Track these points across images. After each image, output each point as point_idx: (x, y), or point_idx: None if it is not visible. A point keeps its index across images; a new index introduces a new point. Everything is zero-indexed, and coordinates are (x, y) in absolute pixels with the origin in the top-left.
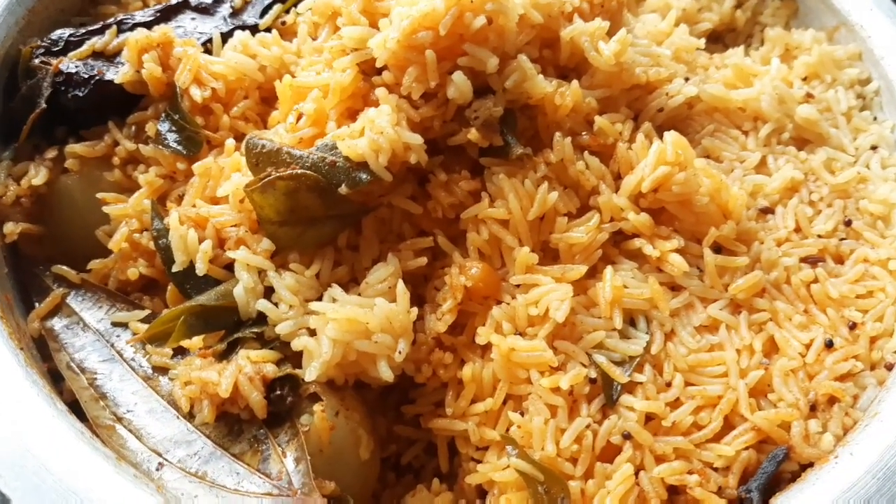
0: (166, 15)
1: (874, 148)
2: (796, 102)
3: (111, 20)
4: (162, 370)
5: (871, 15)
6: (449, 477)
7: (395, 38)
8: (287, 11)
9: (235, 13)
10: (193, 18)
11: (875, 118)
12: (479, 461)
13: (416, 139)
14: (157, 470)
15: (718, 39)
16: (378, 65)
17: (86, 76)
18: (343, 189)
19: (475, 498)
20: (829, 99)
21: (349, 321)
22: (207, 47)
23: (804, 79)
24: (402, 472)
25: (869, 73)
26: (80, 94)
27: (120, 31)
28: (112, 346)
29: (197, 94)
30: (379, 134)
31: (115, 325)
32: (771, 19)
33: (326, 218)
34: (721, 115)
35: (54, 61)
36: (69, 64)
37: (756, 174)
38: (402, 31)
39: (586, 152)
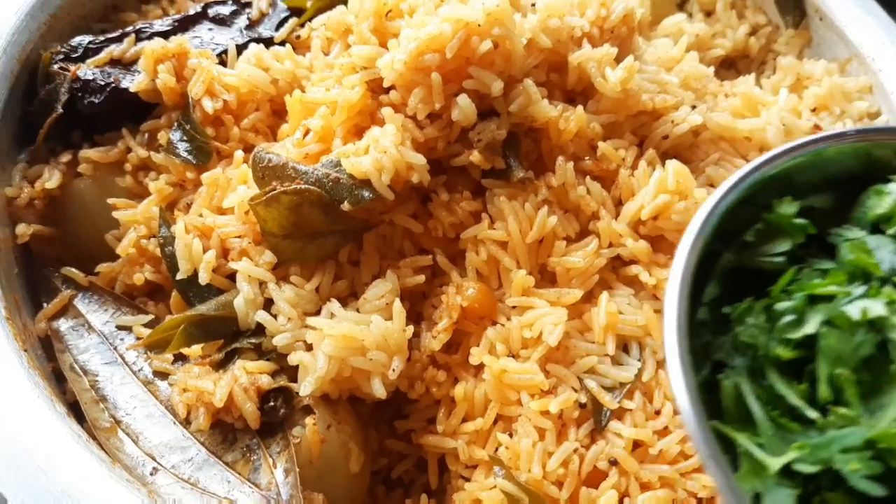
0: (184, 25)
1: None
2: (803, 133)
3: (130, 28)
4: (162, 375)
5: (884, 49)
6: (438, 493)
7: (402, 59)
8: (302, 25)
9: (252, 25)
10: (211, 29)
11: None
12: (467, 479)
13: (420, 159)
14: (151, 475)
15: (731, 66)
16: (385, 84)
17: (102, 83)
18: (346, 205)
19: None
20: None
21: (345, 338)
22: (223, 58)
23: (813, 110)
24: (392, 486)
25: (879, 106)
26: (96, 101)
27: (138, 40)
28: (115, 349)
29: (209, 105)
30: (383, 153)
31: (119, 328)
32: (784, 48)
33: (328, 233)
34: (727, 143)
35: (73, 67)
36: (87, 71)
37: None
38: (410, 53)
39: (588, 177)
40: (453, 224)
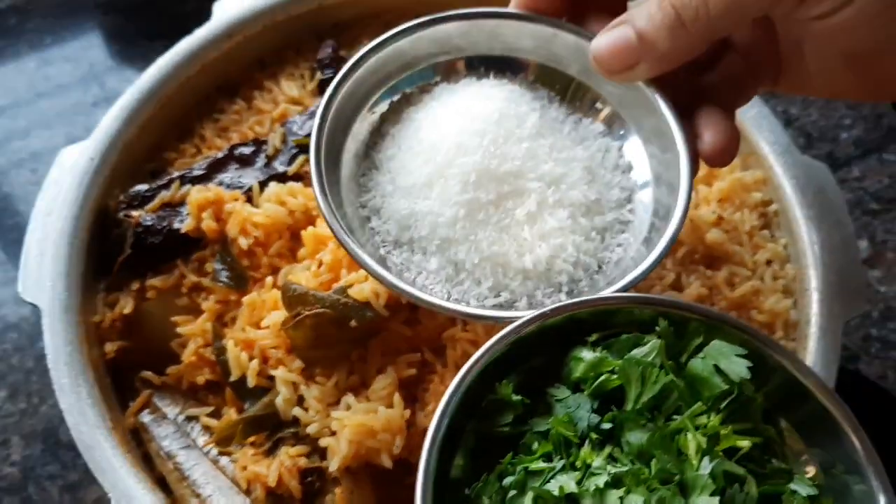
0: (216, 167)
1: (769, 262)
2: (709, 226)
3: (175, 175)
4: (226, 454)
5: (772, 148)
6: None
7: None
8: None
9: (269, 162)
10: (237, 168)
11: (773, 236)
12: None
13: None
14: None
15: None
16: None
17: (159, 227)
18: (353, 322)
19: None
20: (736, 220)
21: (360, 425)
22: (249, 195)
23: (719, 200)
24: None
25: (771, 195)
26: (156, 241)
27: (182, 184)
28: (188, 435)
29: (243, 242)
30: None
31: (188, 418)
32: None
33: (342, 342)
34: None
35: (134, 213)
36: (146, 217)
37: (671, 290)
38: None
39: None
40: (435, 327)
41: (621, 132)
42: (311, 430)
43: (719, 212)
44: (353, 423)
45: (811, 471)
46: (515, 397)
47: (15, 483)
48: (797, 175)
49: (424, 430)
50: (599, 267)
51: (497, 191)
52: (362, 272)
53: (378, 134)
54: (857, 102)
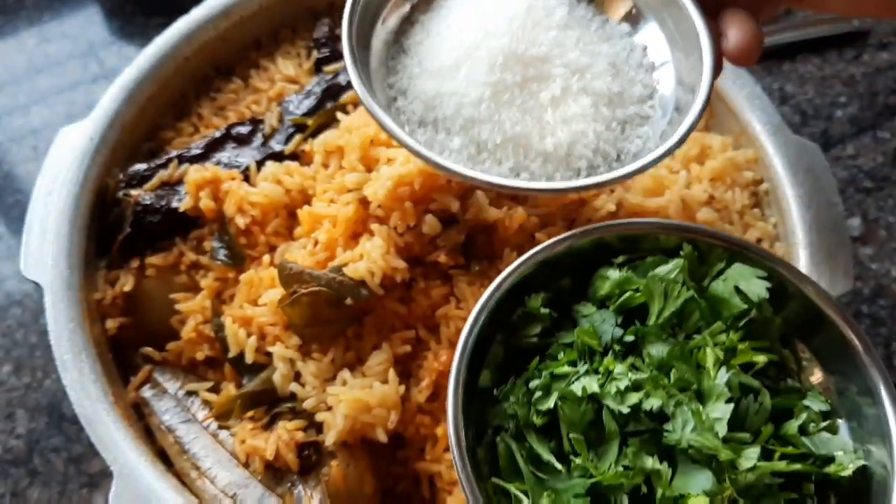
0: (213, 147)
1: (759, 241)
2: (699, 205)
3: (173, 154)
4: (225, 428)
5: (763, 128)
6: (430, 502)
7: (382, 193)
8: (305, 140)
9: (266, 141)
10: (234, 147)
11: (763, 214)
12: (450, 493)
13: (401, 264)
14: None
15: None
16: (372, 208)
17: (158, 206)
18: (349, 301)
19: None
20: (727, 199)
21: (355, 400)
22: (247, 173)
23: (711, 179)
24: (397, 500)
25: (762, 174)
26: (155, 220)
27: (180, 163)
28: (188, 409)
29: (241, 221)
30: (373, 262)
31: (188, 393)
32: None
33: (338, 319)
34: (639, 217)
35: (133, 193)
36: (145, 196)
37: None
38: (387, 189)
39: None
40: (430, 305)
41: (647, 34)
42: (307, 404)
43: (711, 191)
44: (349, 398)
45: (825, 390)
46: (544, 310)
47: (20, 455)
48: (788, 154)
49: (419, 406)
50: (618, 157)
51: (523, 73)
52: (357, 251)
53: (408, 22)
54: (853, 80)
